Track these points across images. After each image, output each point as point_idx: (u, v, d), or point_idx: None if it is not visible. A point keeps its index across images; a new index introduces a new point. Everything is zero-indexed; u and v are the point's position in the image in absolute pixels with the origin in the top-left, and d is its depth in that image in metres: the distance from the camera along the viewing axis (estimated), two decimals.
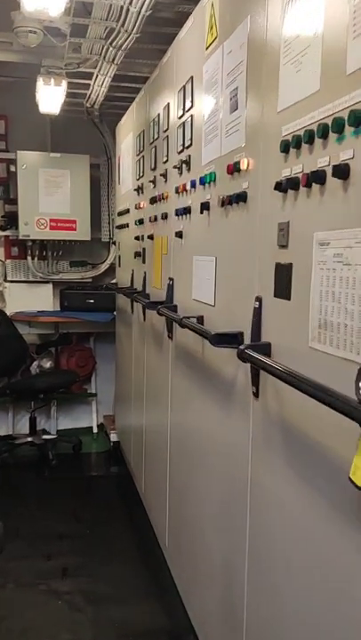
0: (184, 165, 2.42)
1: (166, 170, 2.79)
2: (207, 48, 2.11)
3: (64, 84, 3.66)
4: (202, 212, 2.14)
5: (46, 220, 4.94)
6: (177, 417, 2.68)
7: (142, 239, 3.42)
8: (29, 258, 5.12)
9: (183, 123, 2.45)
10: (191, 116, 2.33)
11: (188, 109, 2.37)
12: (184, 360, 2.52)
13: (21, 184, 4.88)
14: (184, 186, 2.42)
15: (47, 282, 5.21)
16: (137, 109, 3.61)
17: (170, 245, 2.74)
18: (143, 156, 3.37)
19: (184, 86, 2.43)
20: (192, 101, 2.33)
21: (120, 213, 4.26)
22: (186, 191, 2.43)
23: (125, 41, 3.11)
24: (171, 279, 2.71)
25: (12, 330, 4.72)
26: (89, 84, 4.10)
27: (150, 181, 3.10)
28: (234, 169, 1.82)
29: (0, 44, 3.69)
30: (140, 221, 3.44)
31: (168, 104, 2.74)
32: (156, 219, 3.03)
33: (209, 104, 2.09)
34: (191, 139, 2.34)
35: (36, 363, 4.98)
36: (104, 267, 5.35)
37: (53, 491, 4.01)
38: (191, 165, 2.36)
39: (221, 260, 1.99)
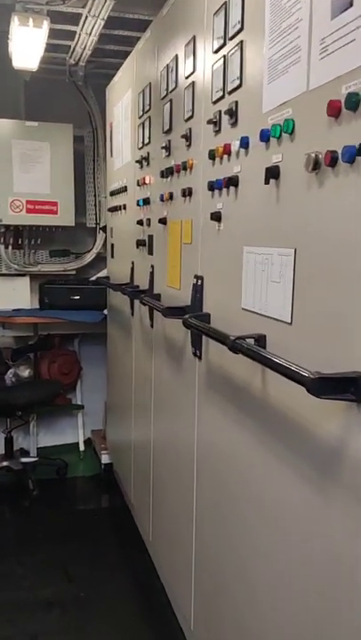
0: (226, 118, 1.70)
1: (190, 129, 2.06)
2: None
3: (45, 25, 2.88)
4: (267, 182, 1.42)
5: (22, 202, 4.16)
6: (211, 463, 1.97)
7: (148, 224, 2.69)
8: (2, 247, 4.33)
9: (224, 57, 1.72)
10: (240, 43, 1.60)
11: (235, 35, 1.64)
12: (222, 391, 1.81)
13: None
14: (226, 147, 1.70)
15: (23, 274, 4.44)
16: (139, 58, 2.86)
17: (197, 232, 2.02)
18: (150, 118, 2.63)
19: (225, 3, 1.70)
20: (242, 21, 1.60)
21: (113, 193, 3.51)
22: (228, 154, 1.70)
23: None
24: (199, 278, 2.00)
25: None
26: (74, 33, 3.33)
27: (163, 148, 2.36)
28: (345, 106, 1.10)
29: None
30: (146, 201, 2.70)
31: (193, 38, 2.00)
32: (171, 197, 2.30)
33: (280, 16, 1.37)
34: (241, 77, 1.61)
35: (11, 371, 4.21)
36: (90, 257, 4.59)
37: (36, 533, 3.27)
38: (239, 116, 1.64)
39: (308, 254, 1.28)
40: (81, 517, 3.48)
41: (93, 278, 4.41)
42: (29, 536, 3.24)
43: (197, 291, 2.00)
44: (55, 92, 4.23)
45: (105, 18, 3.00)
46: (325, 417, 1.21)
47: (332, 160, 1.15)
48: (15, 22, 2.83)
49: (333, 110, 1.14)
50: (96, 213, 4.58)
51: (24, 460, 3.98)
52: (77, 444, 4.52)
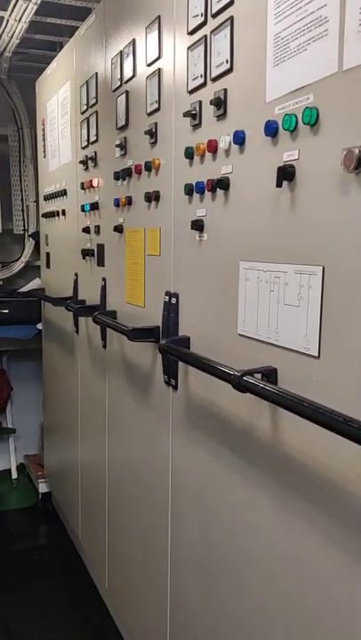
0: (211, 109, 1.44)
1: (156, 124, 1.78)
2: None
3: None
4: (279, 185, 1.17)
5: None
6: (194, 507, 1.70)
7: (98, 232, 2.39)
8: None
9: (205, 38, 1.46)
10: (230, 19, 1.35)
11: (221, 10, 1.38)
12: (211, 431, 1.55)
13: None
14: (211, 144, 1.44)
15: None
16: (80, 46, 2.55)
17: (167, 242, 1.75)
18: (97, 113, 2.33)
19: None
20: None
21: (48, 197, 3.17)
22: (214, 152, 1.45)
23: None
24: (172, 295, 1.72)
25: None
26: (1, 19, 2.98)
27: (117, 146, 2.08)
28: None
29: None
30: (93, 206, 2.40)
31: (158, 18, 1.73)
32: (129, 202, 2.02)
33: None
34: (231, 60, 1.36)
35: None
36: (18, 266, 4.21)
37: None
38: (229, 107, 1.38)
39: (342, 274, 1.04)
40: (20, 559, 3.11)
41: (25, 289, 4.03)
42: None
43: (171, 310, 1.72)
44: None
45: (37, 2, 2.67)
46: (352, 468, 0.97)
47: None
48: None
49: None
50: (24, 219, 4.21)
51: None
52: (9, 471, 4.12)
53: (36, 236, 4.04)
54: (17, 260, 4.21)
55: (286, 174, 1.16)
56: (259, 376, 1.24)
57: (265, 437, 1.29)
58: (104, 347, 2.37)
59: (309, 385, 1.13)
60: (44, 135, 3.26)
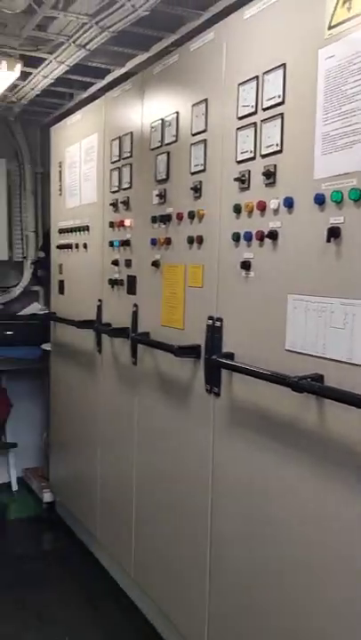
0: (263, 178, 1.88)
1: (200, 182, 2.22)
2: (333, 26, 1.61)
3: (18, 69, 2.91)
4: (328, 241, 1.62)
5: None
6: (237, 497, 2.10)
7: (128, 265, 2.79)
8: None
9: (255, 124, 1.91)
10: (281, 115, 1.81)
11: (271, 107, 1.84)
12: (257, 428, 1.97)
13: None
14: (260, 204, 1.88)
15: None
16: (112, 106, 2.97)
17: (211, 277, 2.17)
18: (131, 165, 2.75)
19: (257, 77, 1.89)
20: (283, 97, 1.80)
21: (65, 230, 3.55)
22: (262, 210, 1.89)
23: (122, 20, 2.49)
24: (215, 319, 2.14)
25: None
26: (29, 73, 3.37)
27: (157, 195, 2.50)
28: None
29: None
30: (125, 243, 2.81)
31: (205, 100, 2.18)
32: (168, 242, 2.44)
33: (339, 99, 1.59)
34: (281, 144, 1.81)
35: None
36: (18, 291, 4.56)
37: None
38: (278, 178, 1.83)
39: None
40: (38, 559, 3.41)
41: (24, 313, 4.40)
42: None
43: (214, 332, 2.14)
44: None
45: (70, 65, 3.08)
46: None
47: None
48: None
49: None
50: (22, 247, 4.57)
51: None
52: (9, 484, 4.40)
53: (38, 263, 4.44)
54: (16, 285, 4.56)
55: (334, 233, 1.61)
56: (309, 380, 1.68)
57: (310, 427, 1.72)
58: (134, 363, 2.76)
59: (355, 386, 1.57)
60: (60, 175, 3.64)
